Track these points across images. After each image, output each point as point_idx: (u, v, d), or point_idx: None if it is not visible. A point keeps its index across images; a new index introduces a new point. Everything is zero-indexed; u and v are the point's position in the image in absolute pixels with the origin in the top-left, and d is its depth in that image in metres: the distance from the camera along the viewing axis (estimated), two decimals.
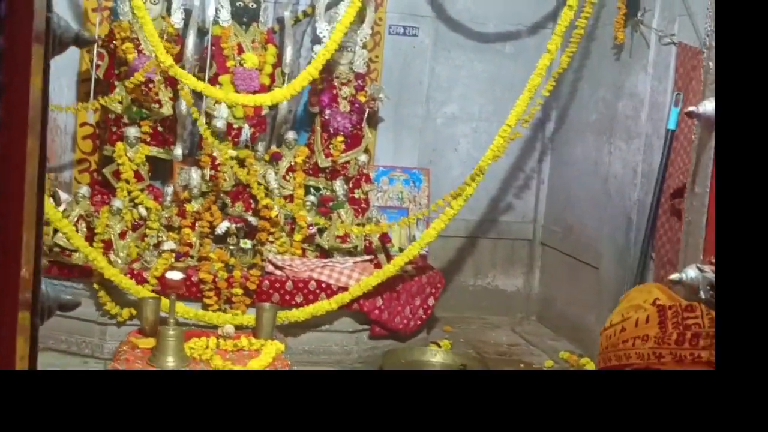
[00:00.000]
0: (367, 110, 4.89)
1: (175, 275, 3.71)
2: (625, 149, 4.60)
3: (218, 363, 3.66)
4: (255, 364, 3.66)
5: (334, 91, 4.83)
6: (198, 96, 4.51)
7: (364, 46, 4.94)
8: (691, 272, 1.84)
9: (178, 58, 4.52)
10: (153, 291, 4.17)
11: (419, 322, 4.74)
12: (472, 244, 5.68)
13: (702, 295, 1.93)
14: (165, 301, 3.99)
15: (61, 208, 4.26)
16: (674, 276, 1.88)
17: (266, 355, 3.76)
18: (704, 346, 1.09)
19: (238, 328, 4.18)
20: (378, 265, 4.59)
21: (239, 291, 4.30)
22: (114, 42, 4.50)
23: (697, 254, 1.95)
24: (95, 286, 4.20)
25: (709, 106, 1.77)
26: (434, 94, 5.40)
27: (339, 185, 4.74)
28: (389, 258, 4.63)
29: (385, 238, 4.74)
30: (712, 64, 1.80)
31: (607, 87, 4.83)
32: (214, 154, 4.54)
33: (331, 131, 4.82)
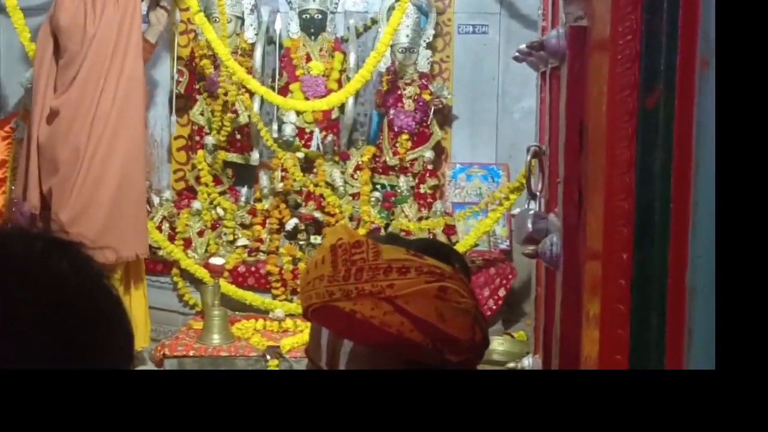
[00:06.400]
0: (432, 108, 5.03)
1: (217, 260, 4.06)
2: None
3: (256, 341, 3.94)
4: (287, 341, 3.91)
5: (399, 92, 5.03)
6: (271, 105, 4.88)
7: (428, 47, 5.09)
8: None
9: (252, 71, 4.91)
10: (224, 280, 4.55)
11: (489, 313, 4.76)
12: None
13: (530, 226, 1.96)
14: (228, 287, 4.35)
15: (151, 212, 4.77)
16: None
17: (305, 335, 3.99)
18: (366, 278, 1.14)
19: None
20: None
21: None
22: (195, 60, 4.98)
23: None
24: (174, 278, 4.65)
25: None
26: (509, 89, 5.42)
27: (403, 181, 4.92)
28: None
29: (449, 230, 4.83)
30: None
31: None
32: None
33: (396, 130, 5.01)
